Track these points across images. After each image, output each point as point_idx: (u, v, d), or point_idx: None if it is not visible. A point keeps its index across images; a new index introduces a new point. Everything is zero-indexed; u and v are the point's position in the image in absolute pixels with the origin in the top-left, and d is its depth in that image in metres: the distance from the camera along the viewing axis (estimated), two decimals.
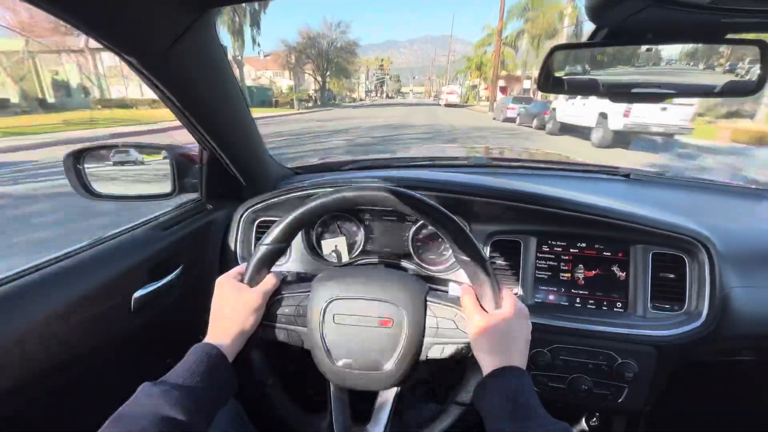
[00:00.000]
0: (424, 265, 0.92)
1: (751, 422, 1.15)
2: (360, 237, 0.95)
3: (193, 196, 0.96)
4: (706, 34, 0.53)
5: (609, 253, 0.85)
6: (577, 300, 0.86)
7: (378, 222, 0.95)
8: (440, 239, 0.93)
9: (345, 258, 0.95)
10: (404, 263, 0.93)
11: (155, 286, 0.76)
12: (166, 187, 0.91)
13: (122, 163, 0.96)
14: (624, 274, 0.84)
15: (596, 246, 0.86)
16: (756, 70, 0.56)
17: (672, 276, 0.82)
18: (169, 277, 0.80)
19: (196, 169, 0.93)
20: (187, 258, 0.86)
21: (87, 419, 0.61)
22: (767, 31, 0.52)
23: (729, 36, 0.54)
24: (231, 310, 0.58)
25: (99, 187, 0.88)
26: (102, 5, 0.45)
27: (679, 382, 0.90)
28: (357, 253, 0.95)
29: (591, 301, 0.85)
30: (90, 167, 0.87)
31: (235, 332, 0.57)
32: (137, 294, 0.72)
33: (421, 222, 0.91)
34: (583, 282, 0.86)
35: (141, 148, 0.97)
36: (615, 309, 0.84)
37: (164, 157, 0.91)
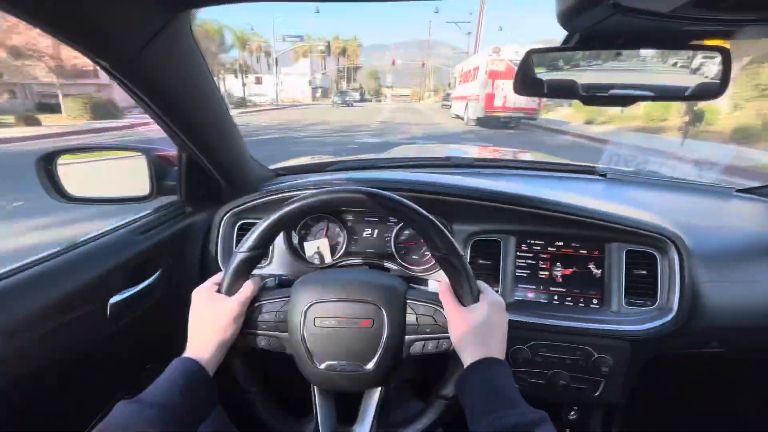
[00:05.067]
0: (406, 265, 0.93)
1: (721, 418, 1.19)
2: (343, 239, 0.95)
3: (172, 198, 0.95)
4: (671, 40, 0.55)
5: (585, 251, 0.87)
6: (555, 297, 0.88)
7: (361, 224, 0.96)
8: (422, 240, 0.94)
9: (328, 260, 0.94)
10: (387, 264, 0.94)
11: (132, 291, 0.74)
12: (144, 190, 0.90)
13: None
14: (600, 271, 0.87)
15: (573, 244, 0.88)
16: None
17: (645, 272, 0.85)
18: (146, 282, 0.78)
19: (175, 170, 0.91)
20: (166, 262, 0.85)
21: (61, 429, 0.59)
22: (727, 38, 0.55)
23: (693, 42, 0.57)
24: (209, 321, 0.57)
25: (73, 189, 0.85)
26: (71, 7, 0.44)
27: (652, 375, 0.93)
28: (340, 254, 0.95)
29: (568, 298, 0.88)
30: (63, 169, 0.85)
31: (215, 344, 0.56)
32: (114, 300, 0.70)
33: (403, 223, 0.92)
34: (560, 279, 0.88)
35: (116, 149, 0.95)
36: (591, 305, 0.87)
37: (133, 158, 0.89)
